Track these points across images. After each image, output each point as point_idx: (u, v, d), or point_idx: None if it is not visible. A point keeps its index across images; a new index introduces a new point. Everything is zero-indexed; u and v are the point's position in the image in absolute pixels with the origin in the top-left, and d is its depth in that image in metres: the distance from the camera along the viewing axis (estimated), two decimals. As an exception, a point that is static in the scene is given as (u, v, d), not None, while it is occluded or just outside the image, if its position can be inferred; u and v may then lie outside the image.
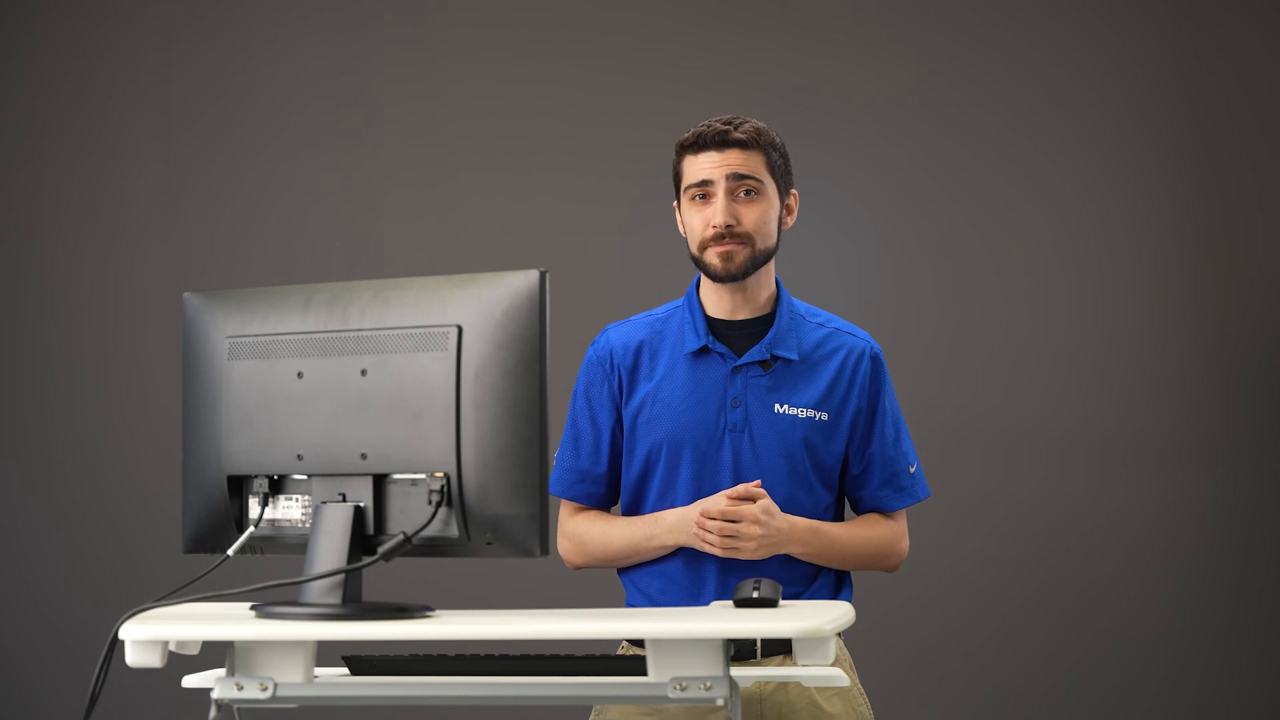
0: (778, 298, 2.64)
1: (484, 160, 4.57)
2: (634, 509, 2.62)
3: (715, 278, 2.57)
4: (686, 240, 2.62)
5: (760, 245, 2.56)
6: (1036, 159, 4.44)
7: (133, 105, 4.66)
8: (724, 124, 2.56)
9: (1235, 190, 4.38)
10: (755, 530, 2.44)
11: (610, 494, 2.66)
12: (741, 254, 2.55)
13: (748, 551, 2.45)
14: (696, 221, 2.57)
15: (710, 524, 2.45)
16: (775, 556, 2.50)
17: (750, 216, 2.55)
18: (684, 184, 2.59)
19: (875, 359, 2.64)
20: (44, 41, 4.69)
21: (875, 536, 2.61)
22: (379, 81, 4.62)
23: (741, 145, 2.56)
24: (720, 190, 2.55)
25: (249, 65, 4.66)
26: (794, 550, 2.51)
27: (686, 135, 2.59)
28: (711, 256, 2.56)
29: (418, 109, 4.60)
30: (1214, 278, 4.38)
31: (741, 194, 2.55)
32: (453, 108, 4.60)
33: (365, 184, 4.61)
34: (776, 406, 2.57)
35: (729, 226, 2.53)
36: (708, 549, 2.47)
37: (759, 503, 2.45)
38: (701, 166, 2.56)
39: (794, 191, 2.64)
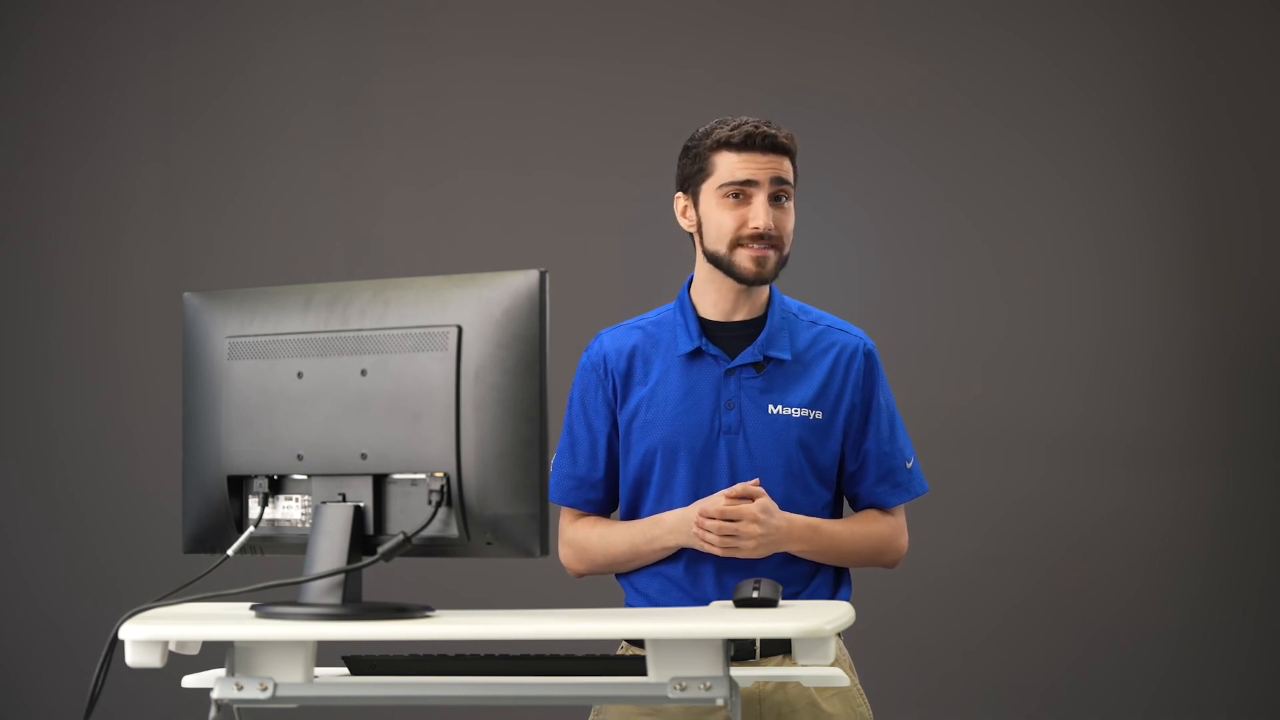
0: (769, 298, 2.63)
1: (484, 160, 4.57)
2: (632, 513, 2.62)
3: (743, 279, 2.55)
4: (701, 235, 2.59)
5: (787, 251, 2.57)
6: (1036, 159, 4.44)
7: (133, 105, 4.66)
8: (769, 127, 2.55)
9: (1235, 190, 4.38)
10: (754, 529, 2.44)
11: (609, 499, 2.65)
12: (774, 259, 2.55)
13: (747, 550, 2.45)
14: (729, 220, 2.54)
15: (709, 524, 2.44)
16: (774, 556, 2.50)
17: (786, 223, 2.56)
18: (717, 180, 2.55)
19: (869, 355, 2.63)
20: (44, 41, 4.69)
21: (874, 533, 2.61)
22: (379, 81, 4.62)
23: (783, 151, 2.56)
24: (763, 193, 2.53)
25: (249, 65, 4.66)
26: (793, 548, 2.51)
27: (729, 131, 2.55)
28: (744, 258, 2.54)
29: (418, 109, 4.60)
30: (1214, 278, 4.38)
31: (778, 199, 2.55)
32: (453, 108, 4.60)
33: (365, 184, 4.61)
34: (770, 407, 2.56)
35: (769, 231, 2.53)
36: (707, 549, 2.47)
37: (757, 501, 2.45)
38: (745, 166, 2.53)
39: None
